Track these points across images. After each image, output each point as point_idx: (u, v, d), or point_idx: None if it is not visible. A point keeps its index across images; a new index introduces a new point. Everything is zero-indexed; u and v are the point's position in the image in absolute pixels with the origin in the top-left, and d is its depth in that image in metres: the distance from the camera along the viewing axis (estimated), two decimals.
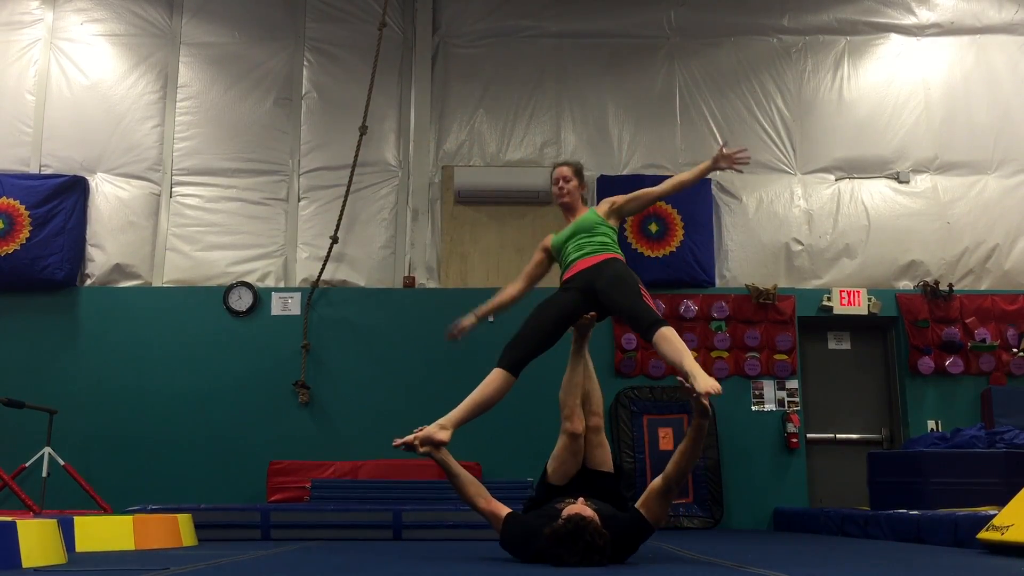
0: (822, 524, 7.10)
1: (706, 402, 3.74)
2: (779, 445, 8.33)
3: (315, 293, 8.49)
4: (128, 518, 5.13)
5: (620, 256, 4.49)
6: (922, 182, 8.91)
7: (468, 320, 4.77)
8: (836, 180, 8.91)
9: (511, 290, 4.73)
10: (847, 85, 9.09)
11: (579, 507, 3.69)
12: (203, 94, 8.94)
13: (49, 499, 6.86)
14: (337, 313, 8.50)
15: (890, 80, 9.09)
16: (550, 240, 4.71)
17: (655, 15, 9.16)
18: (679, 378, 3.95)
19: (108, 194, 8.70)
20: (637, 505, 3.90)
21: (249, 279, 8.55)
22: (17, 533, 3.60)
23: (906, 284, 8.72)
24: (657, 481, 3.85)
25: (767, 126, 8.97)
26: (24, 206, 8.44)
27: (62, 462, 6.80)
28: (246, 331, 8.43)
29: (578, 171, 4.78)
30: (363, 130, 8.48)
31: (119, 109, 8.87)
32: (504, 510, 4.00)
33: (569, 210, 4.73)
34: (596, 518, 3.64)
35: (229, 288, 8.50)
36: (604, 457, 4.31)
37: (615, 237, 4.60)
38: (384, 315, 8.49)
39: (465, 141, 8.93)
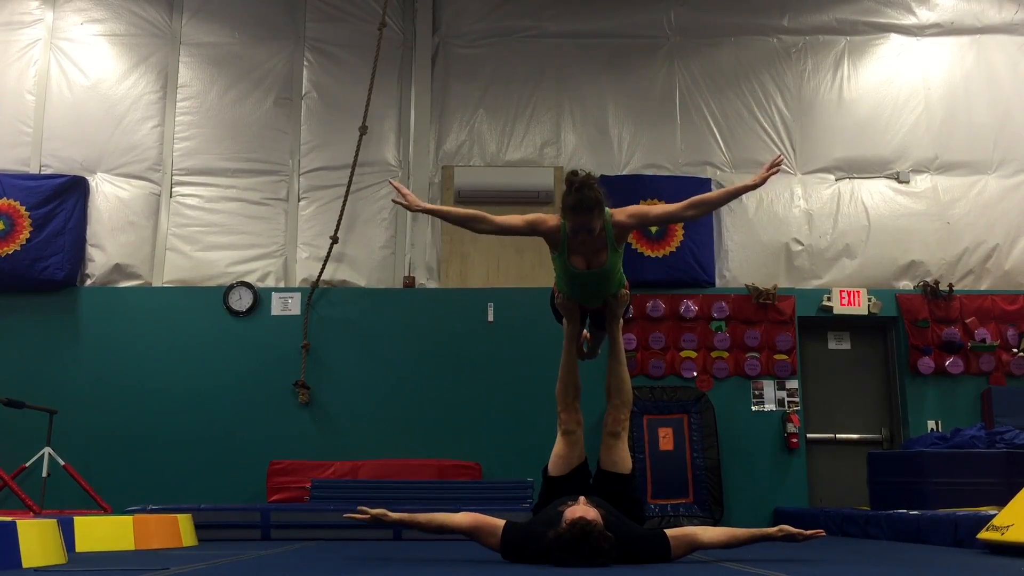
0: (822, 524, 7.09)
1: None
2: (779, 445, 8.33)
3: (315, 293, 8.49)
4: (128, 518, 5.13)
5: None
6: (922, 182, 8.91)
7: (419, 203, 4.48)
8: (836, 180, 8.91)
9: (478, 216, 4.35)
10: (847, 85, 9.09)
11: (581, 508, 3.66)
12: (203, 94, 8.94)
13: (49, 499, 6.85)
14: (337, 313, 8.50)
15: (890, 80, 9.09)
16: (552, 229, 4.23)
17: (655, 15, 9.15)
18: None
19: (108, 194, 8.70)
20: (669, 533, 3.88)
21: (249, 279, 8.55)
22: (17, 533, 3.60)
23: (906, 284, 8.71)
24: (704, 541, 3.93)
25: (767, 126, 8.97)
26: (24, 207, 8.44)
27: (62, 462, 6.79)
28: (246, 331, 8.43)
29: (601, 207, 4.06)
30: (363, 130, 8.48)
31: (119, 109, 8.87)
32: (500, 522, 3.91)
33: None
34: (600, 520, 3.61)
35: (229, 288, 8.50)
36: (617, 458, 4.24)
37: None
38: (384, 315, 8.49)
39: (465, 141, 8.93)
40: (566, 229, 4.16)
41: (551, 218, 4.24)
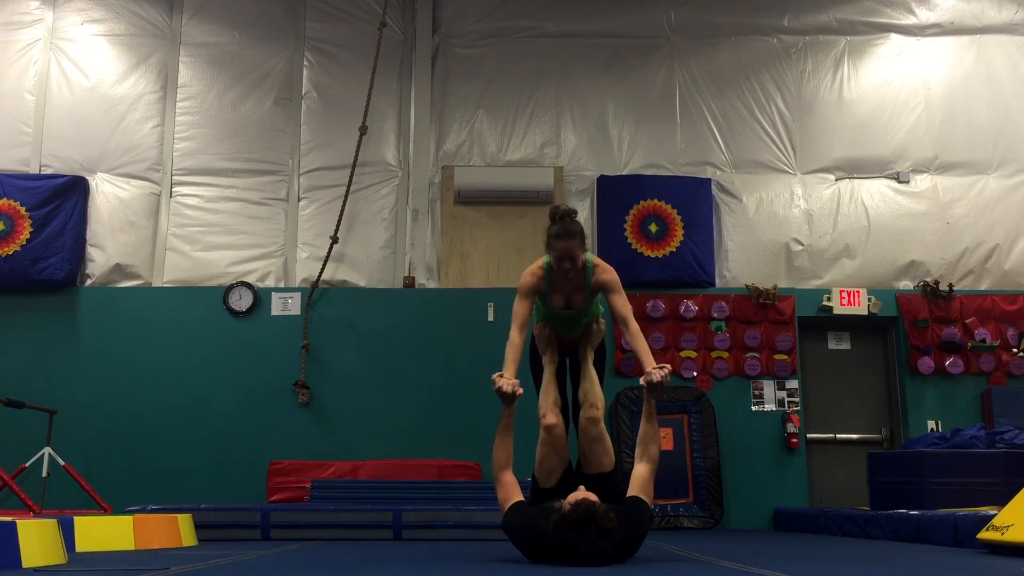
0: (822, 524, 7.10)
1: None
2: (779, 445, 8.33)
3: (315, 293, 8.49)
4: (128, 518, 5.13)
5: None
6: (922, 182, 8.91)
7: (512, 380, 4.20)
8: (836, 180, 8.91)
9: (512, 340, 4.32)
10: (847, 85, 9.09)
11: (583, 493, 3.70)
12: (203, 94, 8.94)
13: (49, 499, 6.86)
14: (337, 313, 8.50)
15: (890, 80, 9.09)
16: (537, 279, 4.37)
17: (655, 15, 9.16)
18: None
19: (108, 194, 8.70)
20: (633, 492, 3.96)
21: (249, 279, 8.55)
22: (17, 533, 3.60)
23: (906, 284, 8.72)
24: (644, 471, 4.01)
25: (767, 126, 8.97)
26: (24, 208, 8.44)
27: (62, 462, 6.80)
28: (246, 331, 8.43)
29: (583, 238, 4.27)
30: (363, 130, 8.48)
31: (119, 109, 8.87)
32: (517, 496, 4.02)
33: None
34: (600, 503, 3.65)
35: (229, 288, 8.50)
36: (602, 456, 4.25)
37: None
38: (384, 315, 8.49)
39: (465, 141, 8.94)
40: (549, 272, 4.34)
41: (533, 271, 4.36)
